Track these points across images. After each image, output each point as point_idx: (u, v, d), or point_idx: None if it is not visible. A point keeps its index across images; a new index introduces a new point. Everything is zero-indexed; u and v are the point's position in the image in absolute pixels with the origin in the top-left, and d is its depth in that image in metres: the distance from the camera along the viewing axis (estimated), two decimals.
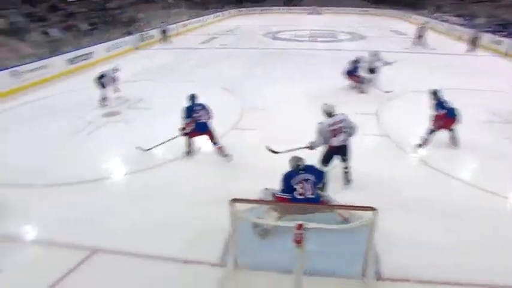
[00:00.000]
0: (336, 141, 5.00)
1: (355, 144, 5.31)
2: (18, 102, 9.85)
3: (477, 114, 8.29)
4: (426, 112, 6.58)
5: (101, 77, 9.14)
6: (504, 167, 6.00)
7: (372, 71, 10.12)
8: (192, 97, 6.21)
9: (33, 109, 9.28)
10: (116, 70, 9.43)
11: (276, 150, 5.44)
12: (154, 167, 6.15)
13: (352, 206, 3.41)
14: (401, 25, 28.02)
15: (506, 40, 15.95)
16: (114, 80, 9.33)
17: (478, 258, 4.00)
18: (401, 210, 4.80)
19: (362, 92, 9.90)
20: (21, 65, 11.30)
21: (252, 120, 8.09)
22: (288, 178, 4.18)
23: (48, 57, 12.48)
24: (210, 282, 3.60)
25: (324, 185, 4.48)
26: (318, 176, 4.28)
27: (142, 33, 18.83)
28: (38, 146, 7.01)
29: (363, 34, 22.54)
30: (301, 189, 4.06)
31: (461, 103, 6.36)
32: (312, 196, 4.06)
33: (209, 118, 6.05)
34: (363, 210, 3.18)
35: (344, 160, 5.24)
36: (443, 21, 24.15)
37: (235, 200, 3.26)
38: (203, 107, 6.10)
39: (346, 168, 5.30)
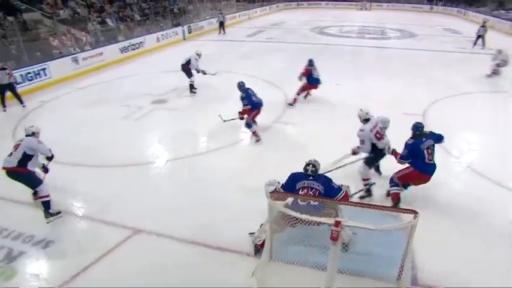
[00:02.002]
0: (382, 145, 4.92)
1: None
2: (76, 86, 10.55)
3: None
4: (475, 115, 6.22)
5: (187, 63, 9.36)
6: None
7: None
8: (241, 85, 6.84)
9: (89, 94, 9.93)
10: (199, 55, 9.57)
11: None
12: (197, 155, 6.38)
13: (395, 208, 3.35)
14: (456, 23, 26.42)
15: None
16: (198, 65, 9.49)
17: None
18: (443, 216, 4.65)
19: None
20: (81, 52, 12.09)
21: (293, 115, 8.11)
22: (293, 179, 4.00)
23: (104, 45, 13.23)
24: (245, 272, 3.67)
25: (334, 192, 3.95)
26: (329, 188, 3.89)
27: (191, 24, 19.33)
28: (91, 128, 7.48)
29: (414, 32, 21.56)
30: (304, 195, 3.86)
31: None
32: (315, 203, 3.70)
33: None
34: (404, 212, 3.13)
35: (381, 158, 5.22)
36: (505, 19, 22.48)
37: (274, 193, 3.31)
38: (249, 89, 6.86)
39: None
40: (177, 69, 9.62)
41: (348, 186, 4.19)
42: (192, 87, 9.60)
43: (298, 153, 6.00)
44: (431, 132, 4.75)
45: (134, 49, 14.50)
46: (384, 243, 3.66)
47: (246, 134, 6.97)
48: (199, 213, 4.73)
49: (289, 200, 3.91)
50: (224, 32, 20.17)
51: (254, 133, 6.70)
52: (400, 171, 4.72)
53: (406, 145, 4.63)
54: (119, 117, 8.01)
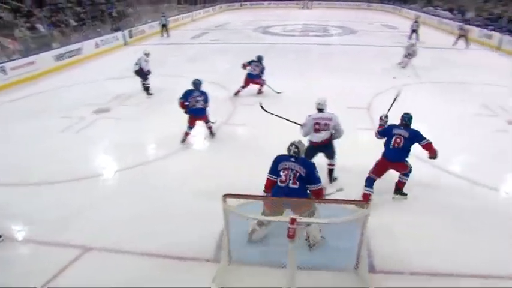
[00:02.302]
0: (316, 138, 4.98)
1: (350, 139, 5.32)
2: (5, 99, 9.66)
3: (467, 107, 8.42)
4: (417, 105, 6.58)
5: (139, 68, 9.13)
6: (494, 159, 6.07)
7: None
8: (194, 83, 6.48)
9: (21, 107, 9.11)
10: (147, 54, 9.29)
11: (266, 110, 5.58)
12: (145, 163, 6.12)
13: (346, 200, 3.42)
14: (392, 19, 28.11)
15: (496, 34, 16.10)
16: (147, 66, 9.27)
17: (471, 250, 4.05)
18: (395, 204, 4.87)
19: None
20: (9, 61, 11.11)
21: (242, 116, 8.08)
22: (277, 161, 3.93)
23: (36, 54, 12.27)
24: (205, 278, 3.58)
25: (314, 179, 3.91)
26: (311, 174, 3.80)
27: (132, 28, 18.63)
28: (27, 144, 6.88)
29: (354, 28, 22.57)
30: (284, 177, 3.79)
31: (452, 97, 6.45)
32: (295, 186, 3.73)
33: (203, 106, 6.41)
34: (356, 203, 3.20)
35: (328, 158, 5.19)
36: (433, 15, 24.28)
37: (227, 195, 3.24)
38: (202, 93, 6.41)
39: (330, 165, 5.25)
40: (119, 76, 9.25)
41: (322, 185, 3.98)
42: (148, 89, 9.36)
43: (249, 152, 6.01)
44: (416, 131, 4.73)
45: (71, 56, 13.61)
46: (340, 235, 3.75)
47: (195, 137, 6.83)
48: (154, 223, 4.53)
49: (281, 165, 3.84)
50: (168, 35, 19.69)
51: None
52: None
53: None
54: (58, 130, 7.46)
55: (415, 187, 5.14)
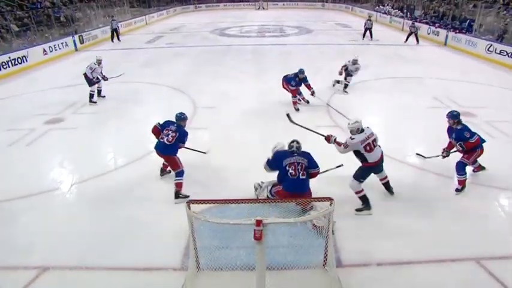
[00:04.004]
0: (373, 157, 4.60)
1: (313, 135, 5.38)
2: None
3: (420, 100, 8.87)
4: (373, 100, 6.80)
5: (84, 74, 8.77)
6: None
7: None
8: (176, 115, 5.33)
9: None
10: (99, 61, 8.93)
11: (294, 120, 5.46)
12: (105, 173, 5.85)
13: (311, 199, 3.46)
14: (345, 18, 29.04)
15: (443, 31, 17.11)
16: (101, 72, 8.96)
17: (435, 237, 4.25)
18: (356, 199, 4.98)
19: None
20: None
21: (203, 119, 7.97)
22: (280, 158, 4.47)
23: None
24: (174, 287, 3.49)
25: (314, 164, 4.55)
26: (311, 161, 4.49)
27: (83, 34, 17.83)
28: None
29: (310, 28, 23.05)
30: (293, 171, 4.33)
31: (404, 90, 6.75)
32: (304, 177, 4.36)
33: (171, 141, 5.03)
34: (321, 201, 3.24)
35: (379, 172, 4.91)
36: (385, 13, 25.36)
37: (191, 202, 3.17)
38: (178, 129, 5.15)
39: (384, 179, 4.98)
40: (72, 84, 8.80)
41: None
42: (91, 96, 9.00)
43: (212, 156, 5.92)
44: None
45: (16, 64, 12.78)
46: (308, 233, 3.78)
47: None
48: (117, 236, 4.35)
49: (286, 161, 4.42)
50: (119, 40, 18.96)
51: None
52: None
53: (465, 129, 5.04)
54: (5, 143, 6.94)
55: (375, 179, 5.32)
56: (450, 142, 5.35)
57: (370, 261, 3.89)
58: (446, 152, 5.46)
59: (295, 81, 8.24)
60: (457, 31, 16.26)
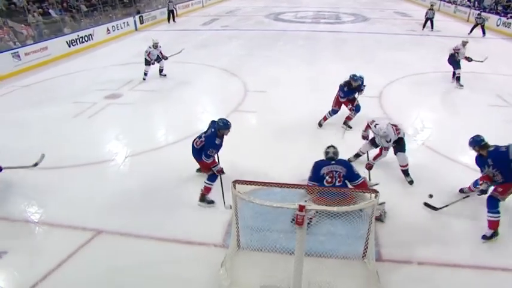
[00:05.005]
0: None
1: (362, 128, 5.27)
2: (20, 84, 9.80)
3: (483, 97, 8.27)
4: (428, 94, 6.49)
5: (146, 56, 9.36)
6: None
7: None
8: (219, 124, 4.64)
9: (35, 92, 9.24)
10: (155, 44, 9.39)
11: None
12: (157, 149, 6.17)
13: (358, 189, 3.43)
14: (405, 7, 27.41)
15: None
16: (159, 55, 9.48)
17: (488, 244, 4.03)
18: (406, 194, 4.86)
19: None
20: (22, 46, 11.22)
21: (253, 103, 8.06)
22: (318, 167, 4.26)
23: (49, 39, 12.37)
24: (213, 264, 3.63)
25: (354, 176, 4.29)
26: (350, 171, 4.26)
27: (143, 14, 18.58)
28: (40, 129, 6.98)
29: (366, 16, 22.12)
30: (329, 178, 4.18)
31: (468, 87, 6.32)
32: (339, 184, 4.18)
33: (198, 145, 4.73)
34: (365, 192, 3.21)
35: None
36: (449, 2, 23.62)
37: (236, 182, 3.27)
38: (207, 137, 4.66)
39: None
40: (131, 62, 9.26)
41: (364, 178, 4.38)
42: (145, 74, 9.57)
43: (260, 139, 6.00)
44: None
45: (83, 42, 13.69)
46: (349, 224, 3.76)
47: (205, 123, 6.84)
48: (165, 209, 4.61)
49: (324, 169, 4.21)
50: (174, 21, 19.55)
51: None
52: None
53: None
54: (70, 115, 7.55)
55: (425, 177, 5.13)
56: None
57: (411, 258, 3.79)
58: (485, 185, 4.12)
59: (343, 92, 6.23)
60: None
